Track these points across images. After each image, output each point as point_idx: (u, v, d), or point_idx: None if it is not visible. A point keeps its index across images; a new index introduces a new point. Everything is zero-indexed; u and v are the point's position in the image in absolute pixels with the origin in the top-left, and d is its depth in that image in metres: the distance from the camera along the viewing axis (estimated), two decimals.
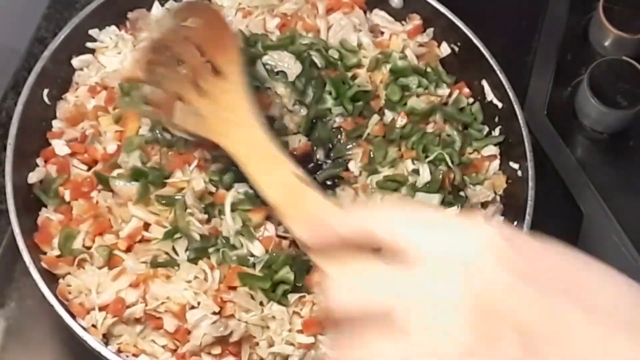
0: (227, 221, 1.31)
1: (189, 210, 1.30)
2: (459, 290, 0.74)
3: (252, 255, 1.30)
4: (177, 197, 1.31)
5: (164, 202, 1.31)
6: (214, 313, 1.25)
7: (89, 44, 1.46)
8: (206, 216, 1.31)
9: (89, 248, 1.31)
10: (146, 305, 1.26)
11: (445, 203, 1.38)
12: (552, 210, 1.48)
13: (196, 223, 1.30)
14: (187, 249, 1.29)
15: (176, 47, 1.33)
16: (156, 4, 1.51)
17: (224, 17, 1.42)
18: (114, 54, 1.46)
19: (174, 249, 1.29)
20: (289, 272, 1.28)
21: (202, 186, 1.32)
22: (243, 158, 1.22)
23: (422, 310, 0.75)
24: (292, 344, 1.28)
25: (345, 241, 0.87)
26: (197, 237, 1.29)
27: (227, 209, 1.31)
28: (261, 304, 1.28)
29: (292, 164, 1.16)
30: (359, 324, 0.79)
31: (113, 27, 1.48)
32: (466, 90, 1.52)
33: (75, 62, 1.44)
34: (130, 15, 1.48)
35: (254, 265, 1.29)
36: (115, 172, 1.34)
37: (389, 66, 1.48)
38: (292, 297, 1.29)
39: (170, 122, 1.32)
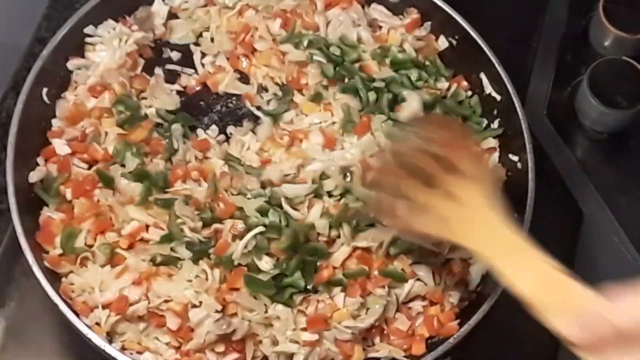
0: (237, 250, 1.29)
1: (179, 220, 1.30)
2: None
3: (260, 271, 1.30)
4: (174, 199, 1.32)
5: (160, 203, 1.32)
6: (217, 311, 1.25)
7: (88, 39, 1.46)
8: (200, 224, 1.31)
9: (90, 246, 1.31)
10: (149, 302, 1.26)
11: None
12: (552, 210, 1.48)
13: (187, 232, 1.30)
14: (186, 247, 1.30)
15: (413, 158, 1.23)
16: (158, 1, 1.51)
17: (467, 130, 1.36)
18: (102, 49, 1.46)
19: (172, 249, 1.30)
20: (300, 278, 1.28)
21: (202, 195, 1.33)
22: (490, 255, 1.13)
23: None
24: (296, 342, 1.28)
25: (622, 333, 0.84)
26: (196, 240, 1.30)
27: (245, 239, 1.29)
28: (265, 304, 1.28)
29: (544, 255, 1.08)
30: None
31: (111, 21, 1.47)
32: (464, 83, 1.52)
33: (70, 65, 1.44)
34: (138, 14, 1.48)
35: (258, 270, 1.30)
36: (119, 171, 1.34)
37: (388, 60, 1.49)
38: (298, 297, 1.29)
39: (401, 225, 1.24)
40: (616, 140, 1.72)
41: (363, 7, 1.55)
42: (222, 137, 1.44)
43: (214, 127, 1.44)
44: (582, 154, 1.70)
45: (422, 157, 1.19)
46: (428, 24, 1.55)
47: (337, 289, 1.30)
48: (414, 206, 1.18)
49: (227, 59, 1.50)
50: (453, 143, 1.21)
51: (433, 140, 1.20)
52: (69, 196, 1.34)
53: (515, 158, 1.44)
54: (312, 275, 1.29)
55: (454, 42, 1.54)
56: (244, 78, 1.50)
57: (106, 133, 1.39)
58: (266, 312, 1.27)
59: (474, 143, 1.32)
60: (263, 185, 1.35)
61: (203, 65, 1.51)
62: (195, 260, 1.29)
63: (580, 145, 1.71)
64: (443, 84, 1.51)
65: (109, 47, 1.45)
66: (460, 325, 1.31)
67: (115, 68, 1.43)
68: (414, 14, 1.55)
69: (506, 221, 1.14)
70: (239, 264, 1.29)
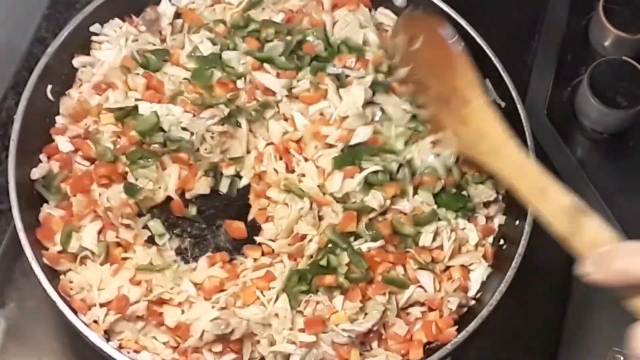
0: None
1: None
2: None
3: None
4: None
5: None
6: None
7: (94, 38, 1.45)
8: None
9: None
10: (151, 292, 1.27)
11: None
12: None
13: None
14: None
15: (420, 74, 1.37)
16: (165, 1, 1.50)
17: (444, 30, 1.38)
18: (108, 47, 1.45)
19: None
20: (306, 286, 1.29)
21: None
22: (515, 183, 1.23)
23: None
24: (293, 343, 1.27)
25: (633, 278, 0.88)
26: None
27: None
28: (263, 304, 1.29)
29: (564, 189, 1.15)
30: None
31: (117, 20, 1.47)
32: None
33: (76, 62, 1.44)
34: (146, 15, 1.47)
35: None
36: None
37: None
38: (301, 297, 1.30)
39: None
40: (616, 140, 1.72)
41: (370, 10, 1.54)
42: None
43: None
44: (582, 154, 1.70)
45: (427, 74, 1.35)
46: None
47: (337, 291, 1.30)
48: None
49: None
50: (446, 63, 1.34)
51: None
52: (69, 193, 1.34)
53: None
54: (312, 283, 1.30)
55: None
56: None
57: (102, 131, 1.38)
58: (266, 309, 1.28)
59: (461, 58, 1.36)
60: None
61: None
62: None
63: (580, 145, 1.71)
64: None
65: (114, 46, 1.44)
66: (459, 331, 1.31)
67: (120, 67, 1.42)
68: None
69: (525, 154, 1.25)
70: None
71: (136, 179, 1.35)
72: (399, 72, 1.42)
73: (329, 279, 1.28)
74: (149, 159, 1.35)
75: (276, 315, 1.27)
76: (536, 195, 1.18)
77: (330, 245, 1.31)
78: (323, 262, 1.30)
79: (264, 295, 1.28)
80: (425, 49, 1.36)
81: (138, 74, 1.42)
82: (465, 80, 1.32)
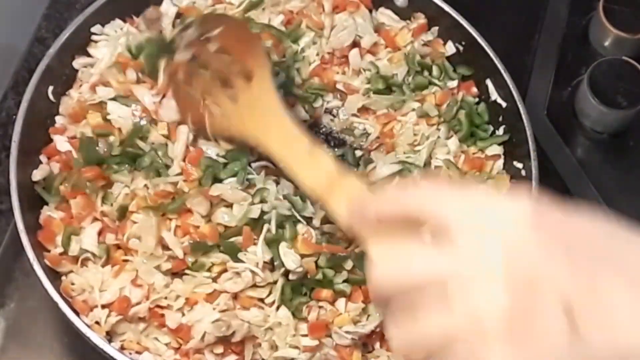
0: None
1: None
2: (496, 259, 0.75)
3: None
4: None
5: None
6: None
7: (94, 37, 1.45)
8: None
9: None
10: (149, 296, 1.26)
11: None
12: None
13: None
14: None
15: (202, 55, 1.34)
16: (166, 1, 1.49)
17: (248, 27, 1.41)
18: (104, 45, 1.45)
19: None
20: (304, 296, 1.29)
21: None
22: (279, 155, 1.23)
23: (462, 282, 0.76)
24: (296, 347, 1.27)
25: (382, 217, 0.89)
26: None
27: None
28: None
29: (330, 156, 1.17)
30: (402, 300, 0.81)
31: (118, 21, 1.47)
32: (474, 89, 1.51)
33: (76, 64, 1.44)
34: (147, 14, 1.47)
35: None
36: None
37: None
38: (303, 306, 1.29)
39: (205, 131, 1.33)
40: (616, 140, 1.72)
41: (371, 11, 1.53)
42: None
43: None
44: (582, 154, 1.70)
45: (210, 52, 1.32)
46: (435, 29, 1.54)
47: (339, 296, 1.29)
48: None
49: None
50: (240, 42, 1.33)
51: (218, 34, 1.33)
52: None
53: (519, 165, 1.43)
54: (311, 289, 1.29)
55: (461, 48, 1.52)
56: None
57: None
58: (269, 316, 1.27)
59: (258, 43, 1.37)
60: None
61: None
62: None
63: (580, 145, 1.71)
64: (453, 83, 1.50)
65: (110, 45, 1.44)
66: None
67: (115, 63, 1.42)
68: (420, 19, 1.53)
69: (300, 128, 1.23)
70: None
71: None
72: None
73: (325, 294, 1.28)
74: (124, 164, 1.33)
75: (279, 323, 1.27)
76: (300, 162, 1.19)
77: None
78: (319, 277, 1.28)
79: (262, 302, 1.28)
80: (221, 38, 1.34)
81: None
82: (255, 58, 1.31)
